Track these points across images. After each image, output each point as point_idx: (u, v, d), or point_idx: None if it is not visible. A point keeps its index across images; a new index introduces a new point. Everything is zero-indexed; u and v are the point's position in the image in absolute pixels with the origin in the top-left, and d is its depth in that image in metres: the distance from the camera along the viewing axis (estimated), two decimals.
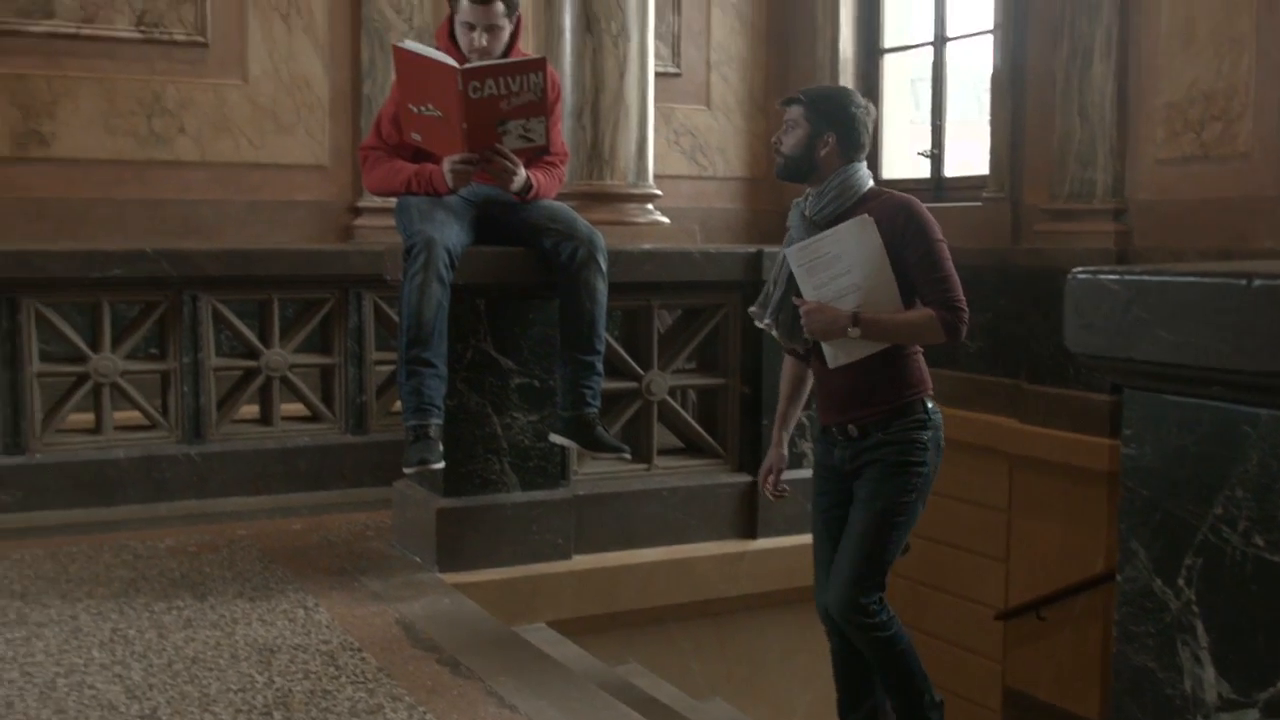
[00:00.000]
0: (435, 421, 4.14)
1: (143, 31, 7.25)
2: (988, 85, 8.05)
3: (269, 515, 5.19)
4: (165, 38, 7.30)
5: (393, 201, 4.45)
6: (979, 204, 7.91)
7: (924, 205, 3.67)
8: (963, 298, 3.59)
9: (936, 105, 8.61)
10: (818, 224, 3.67)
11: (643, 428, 4.85)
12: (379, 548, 4.72)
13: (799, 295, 3.67)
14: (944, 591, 8.13)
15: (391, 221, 4.60)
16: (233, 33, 7.48)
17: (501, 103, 4.06)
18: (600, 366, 4.36)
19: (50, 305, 5.17)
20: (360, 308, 5.63)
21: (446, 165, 4.17)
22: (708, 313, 4.91)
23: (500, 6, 4.24)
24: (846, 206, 3.65)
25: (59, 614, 3.89)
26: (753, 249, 4.89)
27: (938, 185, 8.56)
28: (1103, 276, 1.77)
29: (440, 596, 4.15)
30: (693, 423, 4.97)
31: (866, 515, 3.68)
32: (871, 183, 3.75)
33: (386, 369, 5.67)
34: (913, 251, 3.58)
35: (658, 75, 6.20)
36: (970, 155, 8.66)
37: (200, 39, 7.38)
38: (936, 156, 8.62)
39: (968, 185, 8.27)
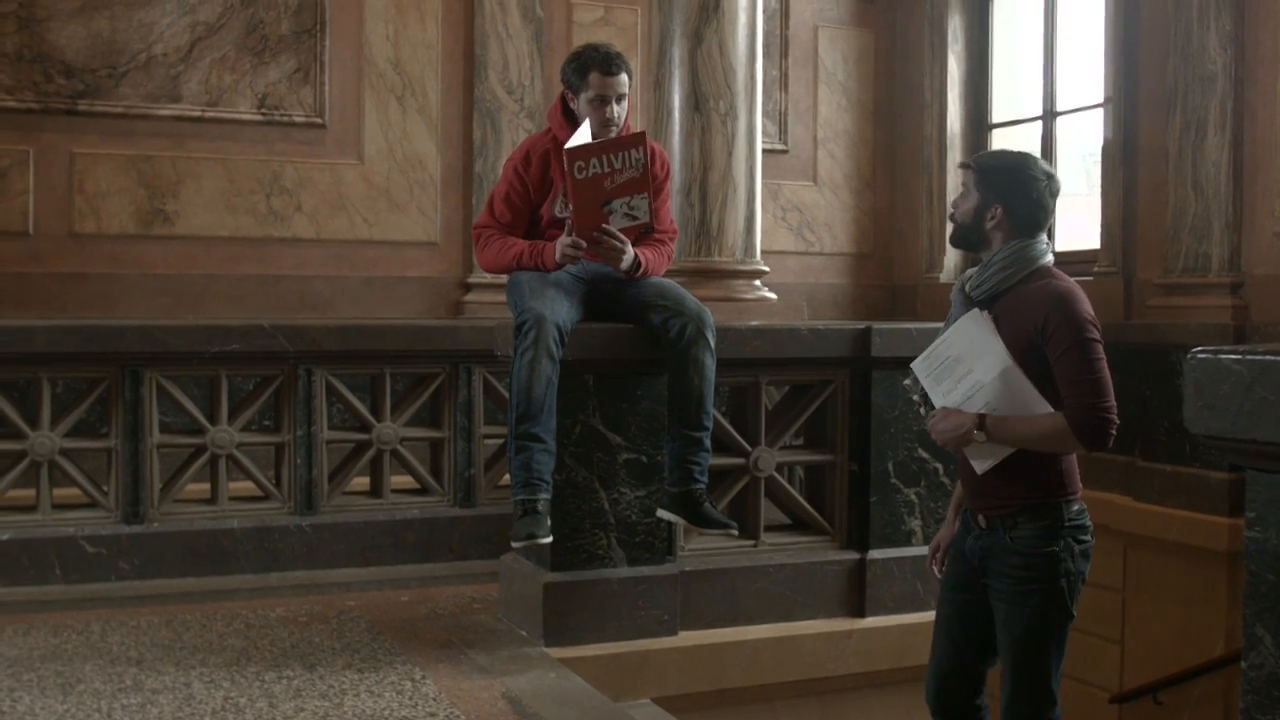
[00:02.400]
0: (543, 496, 4.16)
1: (264, 114, 7.48)
2: (1097, 158, 7.96)
3: (378, 586, 5.24)
4: (285, 119, 7.52)
5: (503, 277, 4.52)
6: (1090, 278, 7.80)
7: (1082, 296, 3.43)
8: (1110, 403, 3.30)
9: None
10: (976, 302, 3.50)
11: (750, 504, 4.82)
12: (486, 621, 4.74)
13: (932, 406, 3.53)
14: None
15: (500, 297, 4.68)
16: (350, 114, 7.69)
17: (605, 181, 4.12)
18: (708, 442, 4.36)
19: (171, 378, 5.31)
20: (470, 382, 5.70)
21: (559, 246, 4.23)
22: (815, 389, 4.90)
23: (626, 78, 4.36)
24: (1010, 285, 3.46)
25: (173, 681, 3.95)
26: (861, 325, 4.87)
27: None
28: (1224, 356, 1.74)
29: (546, 671, 4.15)
30: (800, 499, 4.94)
31: (1010, 641, 3.47)
32: (1048, 260, 3.52)
33: (495, 443, 5.72)
34: (1055, 347, 3.33)
35: (765, 152, 6.25)
36: (1080, 229, 8.55)
37: (319, 120, 7.60)
38: (1046, 231, 8.52)
39: (1079, 260, 8.17)
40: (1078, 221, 8.65)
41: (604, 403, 4.43)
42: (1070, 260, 8.27)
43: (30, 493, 5.16)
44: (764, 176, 6.18)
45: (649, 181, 4.22)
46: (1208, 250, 6.98)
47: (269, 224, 7.50)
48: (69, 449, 5.21)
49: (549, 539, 4.15)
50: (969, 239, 3.59)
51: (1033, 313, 3.36)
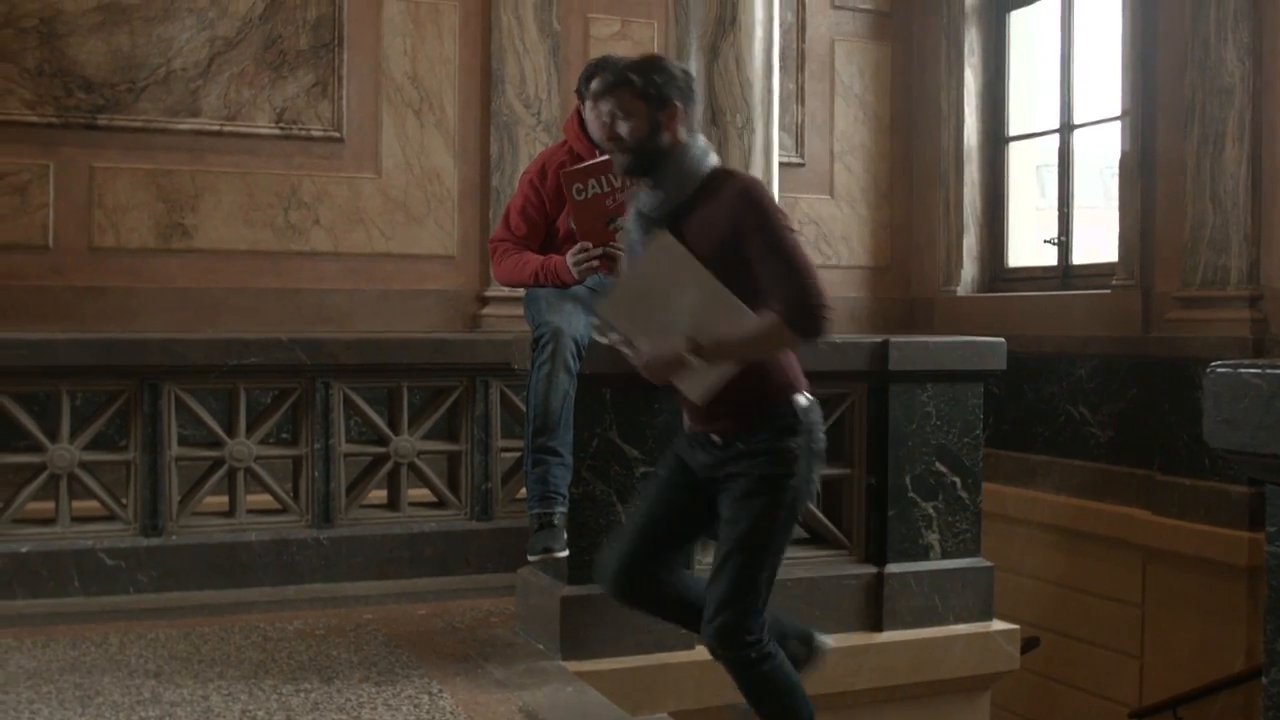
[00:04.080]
0: (560, 510, 4.17)
1: (282, 128, 7.51)
2: (1114, 171, 7.95)
3: (395, 600, 5.25)
4: (303, 134, 7.55)
5: (520, 291, 4.53)
6: (1108, 291, 7.78)
7: (765, 186, 3.28)
8: (818, 287, 3.18)
9: (1064, 192, 8.52)
10: (658, 223, 3.34)
11: None
12: (503, 634, 4.74)
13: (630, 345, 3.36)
14: (1075, 688, 7.89)
15: (518, 311, 4.69)
16: (368, 128, 7.72)
17: (606, 200, 4.12)
18: None
19: (189, 391, 5.33)
20: (487, 395, 5.71)
21: (569, 259, 4.24)
22: (833, 402, 4.88)
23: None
24: (691, 195, 3.31)
25: (191, 694, 3.96)
26: (878, 339, 4.87)
27: (1065, 273, 8.45)
28: (1244, 370, 1.73)
29: (563, 685, 4.14)
30: (817, 513, 4.93)
31: (733, 538, 3.36)
32: (715, 158, 3.39)
33: (512, 456, 5.72)
34: (753, 244, 3.19)
35: (782, 165, 6.24)
36: (1096, 242, 8.54)
37: (336, 134, 7.62)
38: (1064, 244, 8.51)
39: (1096, 273, 8.15)
40: (1095, 234, 8.64)
41: (621, 416, 4.43)
42: (1087, 273, 8.26)
43: (50, 505, 5.19)
44: (781, 190, 6.16)
45: None
46: (1226, 263, 6.96)
47: (287, 238, 7.53)
48: (88, 462, 5.23)
49: (565, 552, 4.16)
50: (645, 161, 3.36)
51: (721, 217, 3.24)
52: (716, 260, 3.22)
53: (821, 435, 3.44)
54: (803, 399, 3.39)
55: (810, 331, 3.20)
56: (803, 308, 3.17)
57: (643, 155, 3.35)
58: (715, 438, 3.40)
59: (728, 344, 3.23)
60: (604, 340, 3.58)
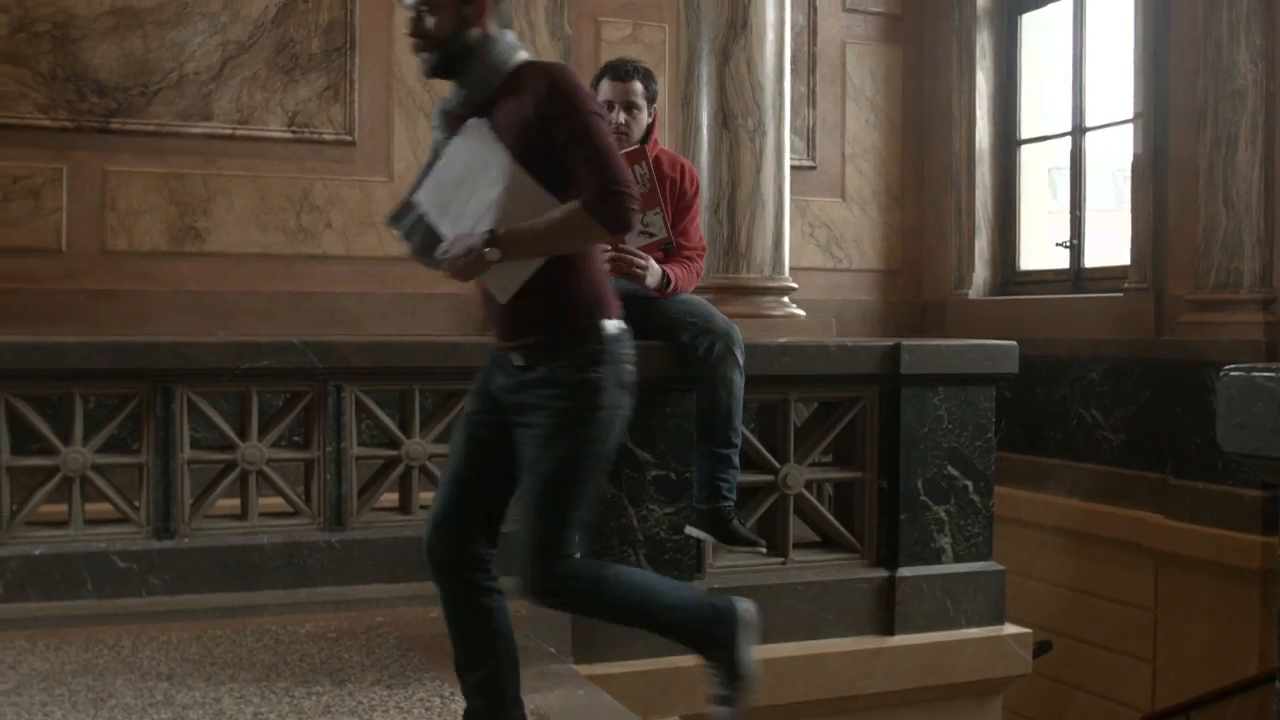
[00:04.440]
0: None
1: (294, 132, 7.53)
2: (1126, 174, 7.94)
3: (407, 603, 5.24)
4: (315, 137, 7.57)
5: None
6: (1120, 295, 7.77)
7: (576, 74, 3.13)
8: (624, 177, 3.03)
9: (1076, 195, 8.51)
10: (463, 118, 3.18)
11: (779, 521, 4.81)
12: (514, 638, 4.73)
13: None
14: (1087, 692, 7.88)
15: None
16: (379, 131, 7.73)
17: None
18: (736, 460, 4.35)
19: (202, 394, 5.34)
20: None
21: None
22: (844, 406, 4.89)
23: (638, 85, 4.33)
24: (497, 87, 3.12)
25: (203, 696, 3.97)
26: (890, 342, 4.86)
27: (1077, 276, 8.44)
28: (1257, 374, 1.73)
29: (575, 688, 4.14)
30: (829, 516, 4.93)
31: (536, 482, 3.13)
32: (525, 54, 3.20)
33: None
34: (561, 130, 3.01)
35: (793, 168, 6.25)
36: (1109, 245, 8.53)
37: (348, 138, 7.64)
38: (1076, 247, 8.50)
39: (1108, 276, 8.14)
40: (1108, 237, 8.63)
41: (633, 419, 4.42)
42: (1099, 276, 8.25)
43: (62, 508, 5.19)
44: (792, 193, 6.18)
45: (659, 197, 4.23)
46: (1239, 266, 6.94)
47: (299, 241, 7.55)
48: (101, 464, 5.24)
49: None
50: (451, 59, 3.17)
51: (527, 103, 3.05)
52: (521, 151, 3.06)
53: (630, 368, 3.23)
54: (611, 325, 3.18)
55: (612, 218, 3.03)
56: (605, 194, 3.01)
57: (448, 53, 3.16)
58: (515, 358, 3.19)
59: (525, 232, 3.04)
60: (395, 231, 3.31)
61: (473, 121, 3.10)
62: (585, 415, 3.12)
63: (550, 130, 3.03)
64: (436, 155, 3.26)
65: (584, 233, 3.07)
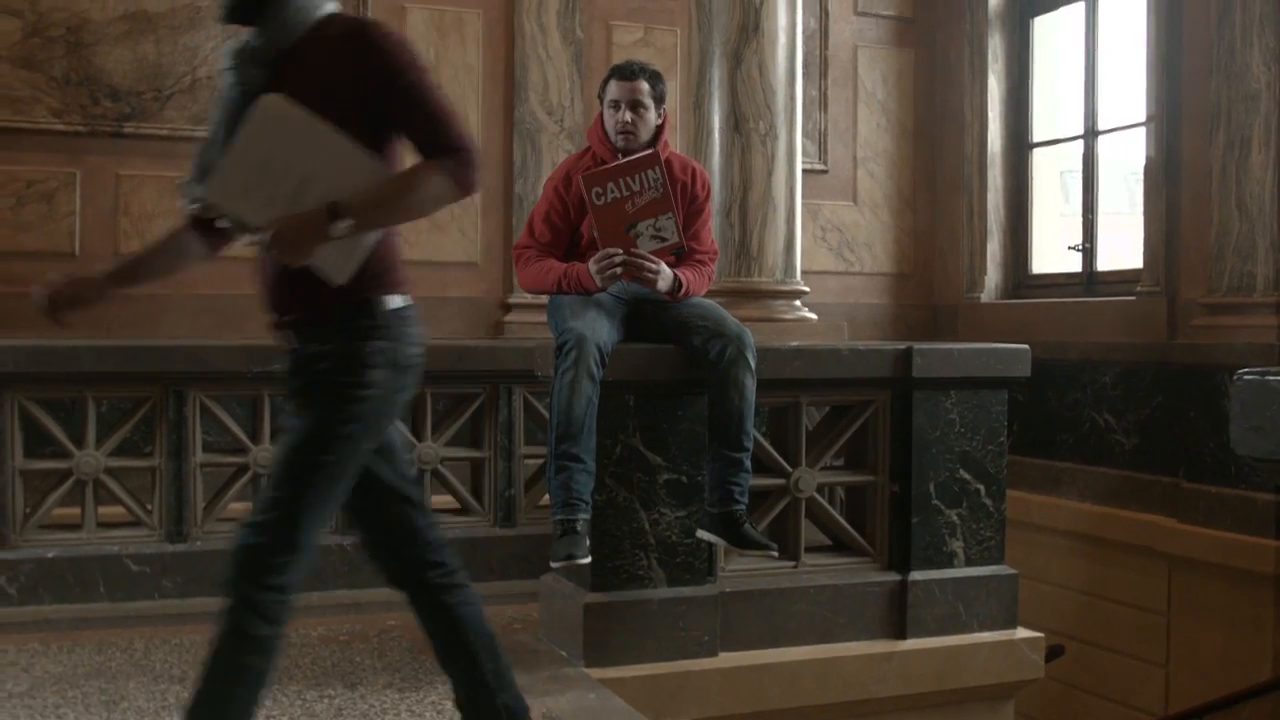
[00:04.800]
0: (583, 516, 4.17)
1: None
2: (1139, 177, 7.92)
3: None
4: None
5: (543, 298, 4.54)
6: (1133, 298, 7.75)
7: (388, 28, 2.88)
8: (463, 132, 2.80)
9: (1088, 198, 8.49)
10: (253, 89, 2.89)
11: (790, 525, 4.81)
12: (526, 641, 4.74)
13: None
14: (1101, 696, 7.86)
15: (541, 318, 4.70)
16: None
17: (626, 204, 4.14)
18: (748, 463, 4.36)
19: (214, 397, 5.35)
20: (510, 402, 5.71)
21: (591, 267, 4.25)
22: (856, 409, 4.88)
23: (644, 85, 4.34)
24: (294, 42, 2.87)
25: None
26: (902, 345, 4.86)
27: (1090, 279, 8.42)
28: (1270, 378, 1.73)
29: (586, 692, 4.15)
30: (841, 520, 4.92)
31: (282, 454, 2.85)
32: (334, 6, 2.93)
33: (535, 463, 5.72)
34: (388, 86, 2.77)
35: (805, 172, 6.24)
36: (1121, 248, 8.50)
37: None
38: (1088, 250, 8.48)
39: (1121, 279, 8.12)
40: (1120, 241, 8.61)
41: (644, 423, 4.44)
42: (1112, 280, 8.23)
43: (75, 511, 5.21)
44: (804, 196, 6.18)
45: (671, 201, 4.23)
46: (1252, 269, 6.92)
47: None
48: (113, 468, 5.26)
49: (588, 559, 4.16)
50: (248, 3, 2.94)
51: (342, 63, 2.81)
52: (336, 114, 2.79)
53: (413, 349, 2.96)
54: (395, 299, 2.92)
55: (465, 180, 2.81)
56: (452, 153, 2.78)
57: None
58: (294, 337, 2.93)
59: (372, 200, 2.75)
60: (187, 207, 3.16)
61: (268, 98, 2.79)
62: (347, 391, 2.82)
63: (370, 91, 2.78)
64: (229, 101, 2.99)
65: (434, 195, 2.81)
